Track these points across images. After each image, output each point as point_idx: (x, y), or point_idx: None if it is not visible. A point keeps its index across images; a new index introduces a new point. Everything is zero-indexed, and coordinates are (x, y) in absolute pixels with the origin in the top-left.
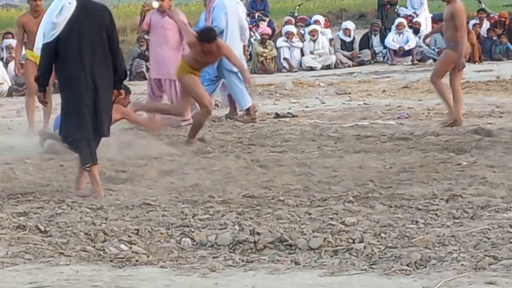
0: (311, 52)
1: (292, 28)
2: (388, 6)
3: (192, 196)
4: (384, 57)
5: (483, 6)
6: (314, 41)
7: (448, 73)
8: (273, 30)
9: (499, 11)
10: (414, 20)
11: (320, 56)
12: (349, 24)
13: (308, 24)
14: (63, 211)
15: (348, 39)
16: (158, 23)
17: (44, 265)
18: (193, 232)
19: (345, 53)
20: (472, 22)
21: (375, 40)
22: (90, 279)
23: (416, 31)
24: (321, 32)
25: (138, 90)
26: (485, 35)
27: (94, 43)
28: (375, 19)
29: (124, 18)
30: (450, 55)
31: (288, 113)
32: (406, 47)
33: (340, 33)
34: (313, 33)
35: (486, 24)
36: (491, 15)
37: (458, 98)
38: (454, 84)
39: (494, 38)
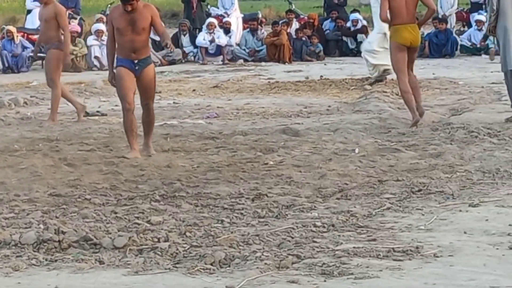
0: None
1: (101, 26)
2: (194, 4)
3: None
4: (195, 57)
5: (293, 7)
6: None
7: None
8: (81, 27)
9: (309, 12)
10: (224, 20)
11: None
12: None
13: None
14: None
15: (158, 38)
16: None
17: None
18: None
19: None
20: (281, 22)
21: (185, 39)
22: None
23: (227, 31)
24: None
25: None
26: (294, 36)
27: None
28: (183, 18)
29: None
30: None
31: (98, 111)
32: (217, 43)
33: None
34: None
35: (295, 25)
36: (301, 16)
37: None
38: None
39: (304, 38)
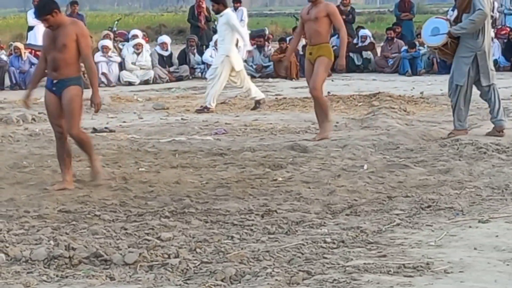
0: (133, 63)
1: (107, 42)
2: (202, 21)
3: (7, 210)
4: (202, 73)
5: None
6: (138, 54)
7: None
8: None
9: None
10: None
11: (141, 68)
12: (165, 38)
13: (127, 39)
14: None
15: (165, 53)
16: None
17: None
18: (7, 247)
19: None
20: (288, 39)
21: (192, 57)
22: None
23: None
24: (144, 46)
25: None
26: (301, 52)
27: None
28: (191, 34)
29: None
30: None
31: (106, 127)
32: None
33: (157, 48)
34: (137, 46)
35: (302, 42)
36: None
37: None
38: None
39: None
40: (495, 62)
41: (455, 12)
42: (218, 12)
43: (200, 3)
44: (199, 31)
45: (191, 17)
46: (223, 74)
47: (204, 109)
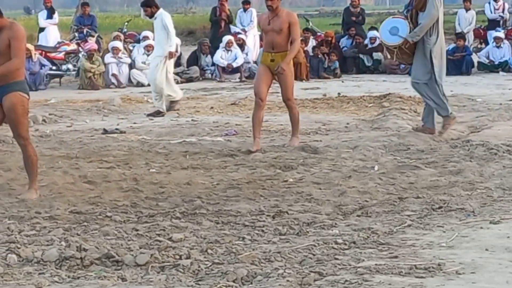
0: (143, 63)
1: (117, 44)
2: (222, 24)
3: (18, 212)
4: (212, 74)
5: (310, 25)
6: (148, 55)
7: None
8: (99, 45)
9: (326, 29)
10: (239, 36)
11: None
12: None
13: (137, 40)
14: None
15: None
16: None
17: None
18: (19, 248)
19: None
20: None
21: (204, 58)
22: None
23: (241, 48)
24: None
25: None
26: (311, 54)
27: None
28: (205, 37)
29: None
30: None
31: (116, 129)
32: (235, 64)
33: None
34: (148, 48)
35: (312, 43)
36: (318, 34)
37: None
38: None
39: (320, 56)
40: (505, 63)
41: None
42: (152, 15)
43: (223, 2)
44: (218, 32)
45: (213, 17)
46: (162, 75)
47: (155, 113)
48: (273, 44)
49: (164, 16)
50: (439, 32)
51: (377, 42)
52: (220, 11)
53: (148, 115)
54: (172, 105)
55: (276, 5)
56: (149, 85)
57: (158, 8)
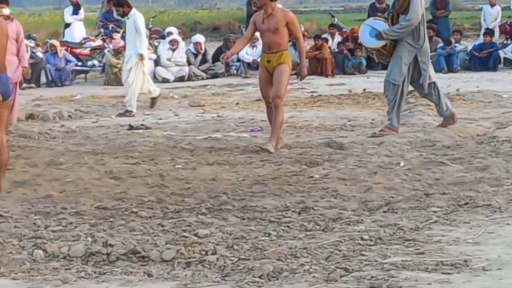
0: (168, 59)
1: None
2: None
3: (44, 207)
4: (237, 70)
5: (336, 21)
6: (173, 50)
7: None
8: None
9: (351, 25)
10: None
11: (176, 65)
12: (199, 38)
13: (162, 36)
14: None
15: (200, 52)
16: None
17: None
18: (45, 243)
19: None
20: (324, 36)
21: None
22: None
23: None
24: (179, 42)
25: None
26: (336, 49)
27: None
28: (230, 33)
29: None
30: None
31: (142, 125)
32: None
33: (191, 47)
34: (173, 42)
35: (337, 38)
36: (343, 30)
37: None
38: None
39: (345, 52)
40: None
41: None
42: (124, 14)
43: None
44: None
45: (250, 10)
46: (138, 76)
47: (126, 113)
48: (269, 44)
49: (136, 17)
50: (425, 36)
51: None
52: (255, 4)
53: (119, 114)
54: (153, 101)
55: (263, 3)
56: (174, 81)
57: (130, 7)
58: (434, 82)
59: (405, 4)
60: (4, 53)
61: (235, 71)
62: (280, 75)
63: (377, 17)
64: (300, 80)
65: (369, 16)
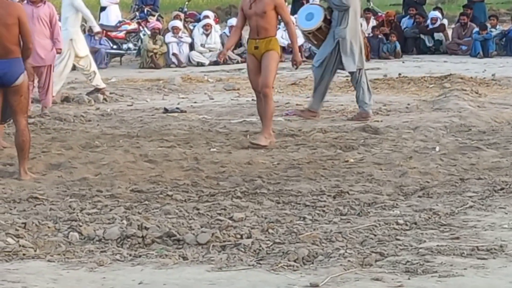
0: (202, 45)
1: (177, 23)
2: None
3: (80, 190)
4: None
5: (371, 5)
6: (207, 35)
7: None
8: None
9: (386, 9)
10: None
11: (210, 51)
12: (234, 21)
13: (198, 20)
14: None
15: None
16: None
17: None
18: (81, 226)
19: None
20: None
21: None
22: None
23: None
24: (214, 27)
25: None
26: (371, 34)
27: None
28: None
29: None
30: None
31: (177, 108)
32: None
33: (227, 31)
34: (206, 27)
35: (372, 23)
36: (379, 14)
37: None
38: None
39: (380, 36)
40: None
41: None
42: None
43: None
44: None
45: None
46: (68, 60)
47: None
48: (257, 29)
49: None
50: (349, 22)
51: (438, 22)
52: None
53: (88, 93)
54: (56, 96)
55: None
56: (209, 64)
57: None
58: (360, 70)
59: None
60: (7, 38)
61: None
62: (268, 63)
63: (314, 2)
64: (296, 68)
65: (404, 1)
